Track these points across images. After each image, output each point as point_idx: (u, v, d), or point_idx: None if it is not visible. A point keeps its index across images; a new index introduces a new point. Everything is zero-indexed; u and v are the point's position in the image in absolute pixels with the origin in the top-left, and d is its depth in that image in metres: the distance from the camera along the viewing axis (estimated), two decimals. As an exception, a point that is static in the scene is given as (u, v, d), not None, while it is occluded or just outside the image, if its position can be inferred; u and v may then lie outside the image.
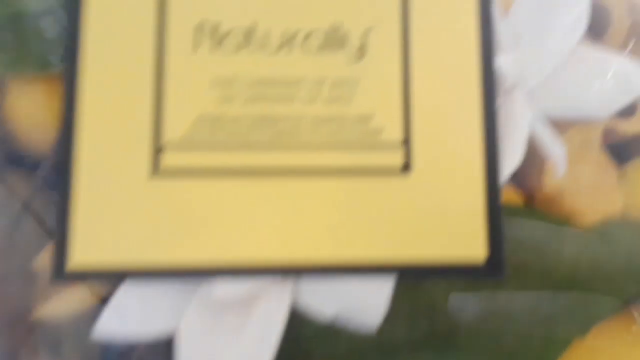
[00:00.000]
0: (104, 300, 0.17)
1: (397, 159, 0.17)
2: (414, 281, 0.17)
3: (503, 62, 0.18)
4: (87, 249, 0.17)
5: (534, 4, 0.19)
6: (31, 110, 0.18)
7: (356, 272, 0.17)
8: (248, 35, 0.17)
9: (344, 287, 0.17)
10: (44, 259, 0.18)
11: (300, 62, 0.17)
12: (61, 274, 0.16)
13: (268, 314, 0.17)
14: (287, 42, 0.17)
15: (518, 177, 0.19)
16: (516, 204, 0.19)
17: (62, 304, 0.18)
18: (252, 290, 0.17)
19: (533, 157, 0.19)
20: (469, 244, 0.17)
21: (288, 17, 0.17)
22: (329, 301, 0.17)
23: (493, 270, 0.17)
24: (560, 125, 0.19)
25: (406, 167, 0.17)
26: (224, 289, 0.17)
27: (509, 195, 0.19)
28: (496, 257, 0.17)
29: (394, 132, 0.17)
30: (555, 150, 0.18)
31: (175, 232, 0.17)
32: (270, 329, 0.17)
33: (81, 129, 0.17)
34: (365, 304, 0.17)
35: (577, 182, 0.19)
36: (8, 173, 0.19)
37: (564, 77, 0.19)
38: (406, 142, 0.17)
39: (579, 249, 0.17)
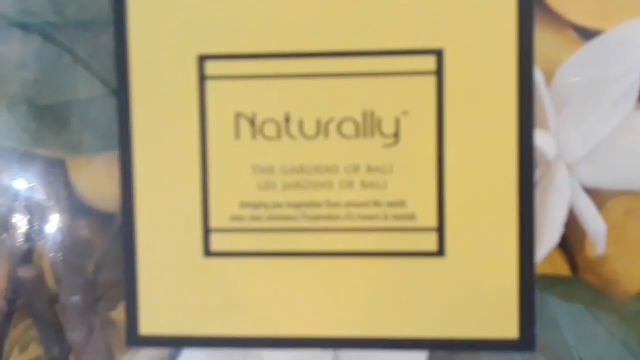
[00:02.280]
0: (172, 356, 0.20)
1: (430, 244, 0.18)
2: (447, 354, 0.18)
3: (543, 139, 0.18)
4: (152, 320, 0.19)
5: (580, 71, 0.18)
6: (92, 187, 0.20)
7: (391, 346, 0.18)
8: (284, 125, 0.18)
9: (381, 356, 0.19)
10: (120, 312, 0.21)
11: (335, 149, 0.18)
12: (133, 341, 0.19)
13: (312, 375, 0.19)
14: (322, 130, 0.18)
15: (563, 240, 0.19)
16: (558, 269, 0.19)
17: (138, 357, 0.21)
18: (297, 357, 0.19)
19: (576, 222, 0.19)
20: (501, 326, 0.18)
21: (320, 106, 0.18)
22: (367, 368, 0.19)
23: (523, 347, 0.18)
24: (604, 193, 0.19)
25: (439, 252, 0.18)
26: (272, 356, 0.19)
27: (555, 258, 0.19)
28: (527, 339, 0.18)
29: (428, 219, 0.18)
30: (595, 227, 0.18)
31: (225, 308, 0.19)
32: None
33: (139, 211, 0.19)
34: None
35: (619, 249, 0.19)
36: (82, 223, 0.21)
37: (610, 149, 0.18)
38: (439, 229, 0.18)
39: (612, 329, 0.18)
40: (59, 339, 0.21)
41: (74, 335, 0.20)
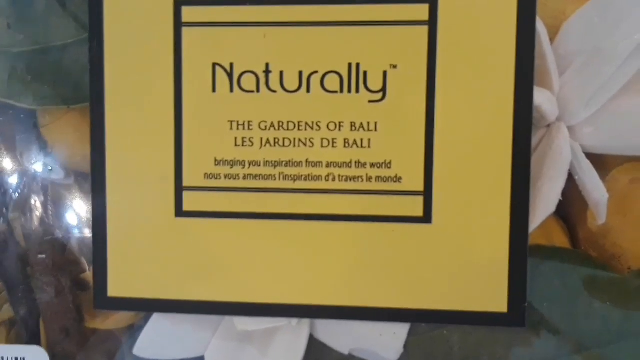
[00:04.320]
0: (143, 319, 0.19)
1: (416, 209, 0.17)
2: (430, 325, 0.17)
3: (543, 99, 0.16)
4: (122, 283, 0.18)
5: (587, 27, 0.16)
6: (63, 139, 0.19)
7: (371, 317, 0.17)
8: (263, 77, 0.17)
9: (359, 327, 0.18)
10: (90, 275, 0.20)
11: (318, 104, 0.17)
12: (101, 303, 0.18)
13: (288, 345, 0.18)
14: (304, 84, 0.17)
15: (563, 211, 0.18)
16: (556, 241, 0.18)
17: (108, 320, 0.20)
18: (270, 326, 0.18)
19: (578, 191, 0.17)
20: (489, 299, 0.16)
21: (302, 58, 0.16)
22: (344, 339, 0.18)
23: (512, 322, 0.16)
24: (609, 161, 0.17)
25: (425, 218, 0.16)
26: (245, 323, 0.18)
27: (553, 229, 0.18)
28: (516, 314, 0.16)
29: (414, 182, 0.16)
30: (597, 196, 0.16)
31: (197, 272, 0.17)
32: (290, 357, 0.18)
33: (109, 168, 0.18)
34: (380, 345, 0.18)
35: (623, 221, 0.17)
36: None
37: (616, 112, 0.16)
38: (426, 193, 0.16)
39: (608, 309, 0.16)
40: (28, 301, 0.20)
41: (43, 296, 0.19)
